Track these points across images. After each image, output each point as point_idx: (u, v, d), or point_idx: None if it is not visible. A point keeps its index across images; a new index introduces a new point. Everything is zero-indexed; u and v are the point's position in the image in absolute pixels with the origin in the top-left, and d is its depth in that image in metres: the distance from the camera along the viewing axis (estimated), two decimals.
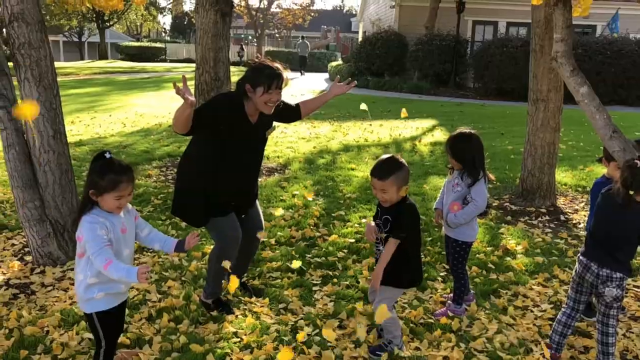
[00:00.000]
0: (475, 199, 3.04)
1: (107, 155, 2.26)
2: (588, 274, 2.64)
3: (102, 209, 2.27)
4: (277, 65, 2.94)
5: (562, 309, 2.82)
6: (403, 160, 2.71)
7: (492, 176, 3.23)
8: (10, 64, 3.59)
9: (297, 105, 3.32)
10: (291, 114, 3.28)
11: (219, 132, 2.89)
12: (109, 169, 2.24)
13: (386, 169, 2.65)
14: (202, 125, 2.82)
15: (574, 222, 5.01)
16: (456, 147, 3.12)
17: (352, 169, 6.74)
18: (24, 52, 3.56)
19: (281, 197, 5.46)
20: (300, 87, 19.08)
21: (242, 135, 2.93)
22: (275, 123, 3.19)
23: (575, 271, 2.74)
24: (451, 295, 3.38)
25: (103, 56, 39.09)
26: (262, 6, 35.72)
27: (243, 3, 33.47)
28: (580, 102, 2.82)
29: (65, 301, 3.28)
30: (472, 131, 3.17)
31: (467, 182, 3.08)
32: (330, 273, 3.76)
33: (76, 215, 2.30)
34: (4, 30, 3.73)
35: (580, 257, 2.69)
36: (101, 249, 2.16)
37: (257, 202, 3.34)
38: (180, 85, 2.53)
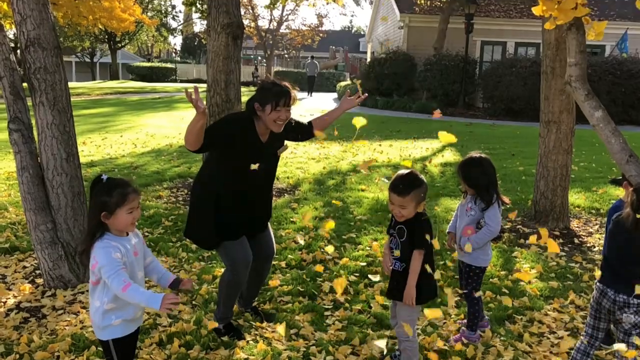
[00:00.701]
0: (488, 223, 3.01)
1: (104, 177, 2.26)
2: (605, 300, 2.59)
3: (112, 234, 2.25)
4: (285, 83, 2.97)
5: (581, 338, 2.76)
6: (422, 176, 2.70)
7: (506, 199, 3.20)
8: (25, 84, 3.63)
9: (310, 123, 3.33)
10: (304, 132, 3.28)
11: (230, 151, 2.90)
12: (114, 185, 2.25)
13: (406, 184, 2.64)
14: (212, 143, 2.83)
15: (589, 245, 4.94)
16: (467, 172, 3.10)
17: (362, 190, 6.72)
18: (39, 77, 3.60)
19: (291, 219, 5.44)
20: (309, 107, 19.17)
21: (253, 154, 2.92)
22: (287, 142, 3.20)
23: (593, 298, 2.68)
24: (465, 321, 3.32)
25: (114, 76, 39.66)
26: (271, 27, 36.17)
27: (253, 24, 33.92)
28: (596, 127, 2.80)
29: (75, 325, 3.26)
30: (483, 155, 3.16)
31: (481, 206, 3.06)
32: (342, 298, 3.72)
33: (85, 244, 2.25)
34: (19, 51, 3.78)
35: (597, 284, 2.65)
36: (118, 272, 2.14)
37: (270, 225, 3.33)
38: (191, 91, 2.53)
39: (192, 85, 3.20)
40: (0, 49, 3.69)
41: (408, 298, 2.63)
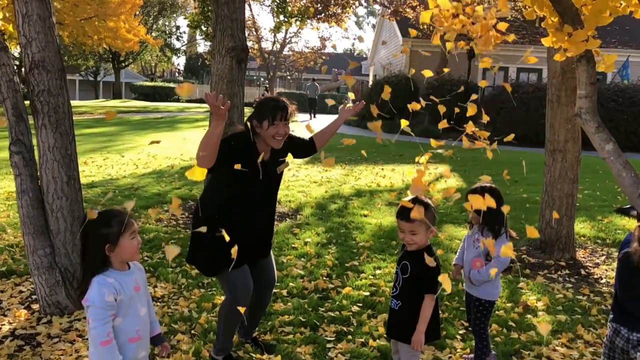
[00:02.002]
0: (498, 255, 2.94)
1: (95, 212, 2.16)
2: (618, 338, 2.51)
3: (114, 268, 2.17)
4: (282, 98, 2.94)
5: None
6: (429, 200, 2.64)
7: (513, 233, 3.14)
8: (27, 102, 3.60)
9: (311, 139, 3.30)
10: (305, 148, 3.26)
11: (232, 171, 2.84)
12: (109, 216, 2.17)
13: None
14: (224, 158, 2.75)
15: (596, 276, 4.85)
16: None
17: (365, 216, 6.65)
18: (42, 99, 3.57)
19: (293, 245, 5.36)
20: (314, 127, 19.21)
21: (255, 172, 2.86)
22: (288, 159, 3.14)
23: (607, 337, 2.60)
24: (471, 355, 3.23)
25: (117, 95, 39.91)
26: (274, 49, 36.49)
27: (256, 46, 34.22)
28: (607, 160, 2.75)
29: (71, 355, 3.16)
30: (493, 185, 3.10)
31: (488, 237, 2.99)
32: (345, 329, 3.63)
33: (85, 285, 2.13)
34: (23, 70, 3.75)
35: (610, 322, 2.57)
36: (105, 322, 2.06)
37: (272, 252, 3.26)
38: (213, 93, 2.48)
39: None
40: (4, 70, 3.67)
41: (417, 344, 2.55)
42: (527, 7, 3.13)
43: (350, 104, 3.31)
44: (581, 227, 6.36)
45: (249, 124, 2.90)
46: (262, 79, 41.26)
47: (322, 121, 22.26)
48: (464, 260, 3.15)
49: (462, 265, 3.24)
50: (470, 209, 2.99)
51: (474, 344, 3.45)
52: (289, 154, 3.08)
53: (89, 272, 2.15)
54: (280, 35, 34.65)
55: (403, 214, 2.60)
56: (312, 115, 25.27)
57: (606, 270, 5.02)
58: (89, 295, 2.09)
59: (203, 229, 2.93)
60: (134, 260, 2.26)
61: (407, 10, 19.46)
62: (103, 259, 2.14)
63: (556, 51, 3.13)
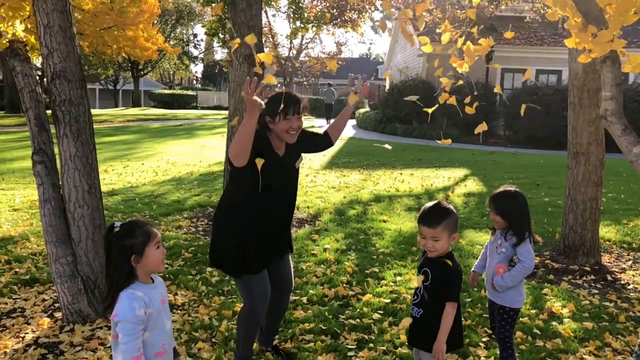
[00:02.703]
0: (522, 260, 2.87)
1: (117, 224, 2.16)
2: None
3: (140, 281, 2.15)
4: (294, 92, 2.93)
5: None
6: (451, 206, 2.60)
7: (538, 238, 3.07)
8: (49, 111, 3.64)
9: (325, 132, 3.28)
10: (320, 141, 3.25)
11: (251, 167, 2.84)
12: (133, 227, 2.16)
13: (436, 215, 2.53)
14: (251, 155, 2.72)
15: (623, 282, 4.73)
16: (501, 205, 2.97)
17: (384, 221, 6.59)
18: (64, 109, 3.61)
19: (312, 252, 5.34)
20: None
21: (273, 168, 2.84)
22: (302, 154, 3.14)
23: (639, 345, 2.52)
24: None
25: (136, 103, 40.46)
26: (291, 55, 36.63)
27: (273, 53, 34.42)
28: (634, 162, 2.68)
29: None
30: (517, 189, 3.05)
31: (512, 241, 2.93)
32: (366, 337, 3.58)
33: (111, 299, 2.10)
34: (45, 80, 3.81)
35: None
36: (136, 337, 2.04)
37: (290, 256, 3.24)
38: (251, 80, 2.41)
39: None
40: (26, 81, 3.73)
41: (438, 353, 2.50)
42: (548, 8, 3.08)
43: (357, 85, 3.30)
44: (606, 231, 6.22)
45: (261, 121, 2.90)
46: (279, 85, 41.41)
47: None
48: (487, 267, 3.08)
49: (480, 273, 3.18)
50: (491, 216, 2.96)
51: (498, 352, 3.39)
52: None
53: (115, 285, 2.11)
54: (296, 42, 34.76)
55: (426, 219, 2.56)
56: (328, 121, 25.07)
57: (633, 275, 4.89)
58: (119, 310, 2.06)
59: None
60: (160, 271, 2.25)
61: (424, 14, 19.35)
62: (129, 271, 2.12)
63: (579, 52, 3.07)
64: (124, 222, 2.19)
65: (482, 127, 3.27)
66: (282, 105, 2.80)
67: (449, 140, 3.41)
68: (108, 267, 2.16)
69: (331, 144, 3.28)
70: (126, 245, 2.11)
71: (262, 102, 2.49)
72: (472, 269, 3.26)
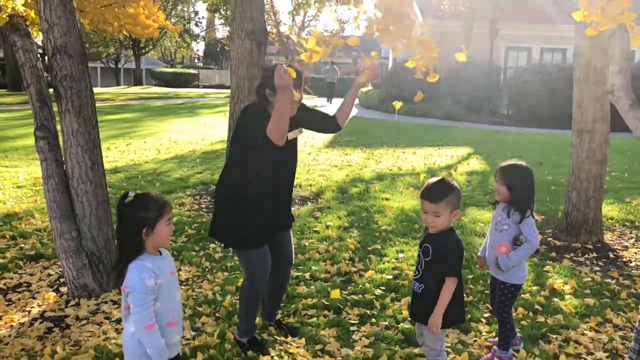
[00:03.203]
0: (529, 239, 2.87)
1: (131, 194, 2.15)
2: None
3: (148, 252, 2.16)
4: (294, 64, 2.89)
5: None
6: (455, 183, 2.59)
7: (537, 216, 3.07)
8: (51, 90, 3.63)
9: (334, 116, 3.21)
10: (330, 125, 3.19)
11: (250, 141, 2.86)
12: (148, 199, 2.16)
13: (439, 191, 2.53)
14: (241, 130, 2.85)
15: (625, 259, 4.74)
16: (510, 176, 2.95)
17: (387, 199, 6.60)
18: (65, 84, 3.59)
19: (315, 229, 5.35)
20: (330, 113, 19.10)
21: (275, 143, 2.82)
22: (304, 129, 3.11)
23: (639, 321, 2.54)
24: (497, 339, 3.19)
25: (138, 82, 40.22)
26: (293, 33, 36.27)
27: (275, 30, 34.07)
28: None
29: (99, 336, 3.21)
30: (527, 165, 3.03)
31: (515, 218, 2.92)
32: (368, 312, 3.61)
33: (121, 267, 2.12)
34: (46, 58, 3.78)
35: None
36: (147, 307, 2.06)
37: (291, 231, 3.24)
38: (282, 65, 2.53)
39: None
40: (27, 56, 3.70)
41: (433, 326, 2.51)
42: None
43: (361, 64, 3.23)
44: (609, 209, 6.21)
45: (260, 92, 2.88)
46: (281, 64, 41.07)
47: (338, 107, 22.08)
48: (489, 244, 3.08)
49: (483, 256, 3.17)
50: (496, 184, 2.94)
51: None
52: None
53: (125, 255, 2.12)
54: (298, 19, 34.41)
55: (428, 194, 2.55)
56: (329, 100, 24.29)
57: (635, 253, 4.91)
58: (129, 282, 2.08)
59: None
60: (166, 247, 2.26)
61: None
62: (139, 242, 2.12)
63: (587, 26, 3.02)
64: (138, 193, 2.17)
65: (419, 96, 3.19)
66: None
67: (421, 95, 3.30)
68: (119, 237, 2.16)
69: (339, 129, 3.22)
70: (139, 217, 2.11)
71: (290, 81, 2.56)
72: (479, 254, 3.26)
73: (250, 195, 2.92)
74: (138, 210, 2.12)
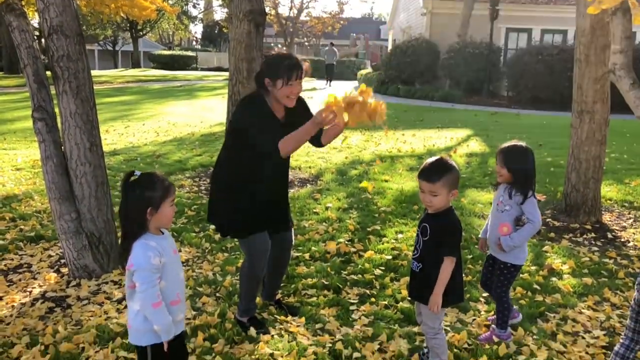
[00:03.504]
0: (532, 219, 2.88)
1: (137, 173, 2.17)
2: None
3: (150, 232, 2.16)
4: (295, 55, 2.87)
5: (620, 340, 2.62)
6: (453, 162, 2.58)
7: (541, 196, 3.08)
8: (48, 73, 3.60)
9: (322, 132, 3.05)
10: (316, 138, 3.02)
11: (250, 139, 2.84)
12: (154, 179, 2.17)
13: (436, 170, 2.52)
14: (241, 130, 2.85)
15: (623, 240, 4.76)
16: (511, 157, 2.95)
17: (386, 181, 6.60)
18: (62, 65, 3.56)
19: (314, 210, 5.36)
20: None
21: (273, 133, 2.80)
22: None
23: (634, 299, 2.55)
24: (494, 317, 3.22)
25: (136, 64, 39.90)
26: (291, 15, 35.94)
27: (273, 12, 33.73)
28: None
29: (100, 316, 3.24)
30: (528, 146, 3.03)
31: (517, 199, 2.92)
32: (368, 292, 3.64)
33: (126, 245, 2.13)
34: (42, 40, 3.75)
35: (638, 285, 2.51)
36: (153, 284, 2.08)
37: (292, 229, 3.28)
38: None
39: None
40: (23, 36, 3.66)
41: (433, 305, 2.53)
42: None
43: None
44: (608, 190, 6.22)
45: (260, 81, 2.85)
46: (279, 46, 40.77)
47: (337, 90, 21.95)
48: (490, 225, 3.08)
49: (484, 237, 3.18)
50: (496, 166, 2.93)
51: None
52: None
53: (129, 234, 2.14)
54: (297, 0, 34.06)
55: (425, 173, 2.55)
56: (329, 82, 24.03)
57: (634, 233, 4.93)
58: (134, 260, 2.09)
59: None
60: (168, 228, 2.27)
61: None
62: (143, 222, 2.12)
63: (588, 5, 2.99)
64: (144, 173, 2.18)
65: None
66: (286, 72, 2.77)
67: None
68: (123, 215, 2.17)
69: (320, 146, 3.09)
70: (145, 197, 2.12)
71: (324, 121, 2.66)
72: (479, 235, 3.27)
73: (246, 186, 2.92)
74: (144, 190, 2.12)
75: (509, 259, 2.98)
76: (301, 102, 3.01)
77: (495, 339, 3.06)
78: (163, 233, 2.24)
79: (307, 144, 2.97)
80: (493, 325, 3.15)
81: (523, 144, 3.01)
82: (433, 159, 2.61)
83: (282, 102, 2.86)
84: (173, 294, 2.20)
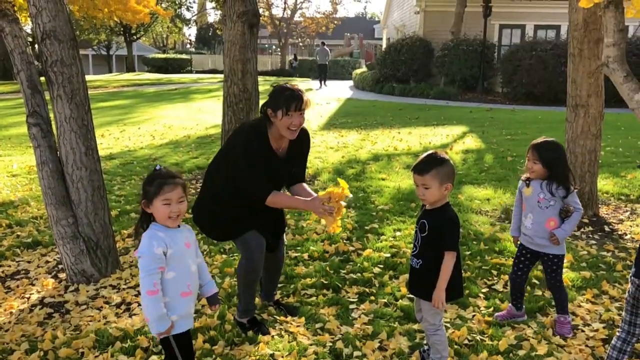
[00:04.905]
0: (578, 208, 3.00)
1: (158, 167, 2.33)
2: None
3: (161, 223, 2.25)
4: (297, 87, 2.89)
5: (617, 333, 2.62)
6: (446, 156, 2.58)
7: (577, 186, 3.18)
8: (42, 78, 3.59)
9: (296, 186, 3.09)
10: (290, 181, 3.10)
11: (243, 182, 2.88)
12: (156, 176, 2.26)
13: (427, 163, 2.54)
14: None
15: (620, 233, 4.78)
16: (545, 153, 2.98)
17: (383, 179, 6.60)
18: (56, 70, 3.55)
19: None
20: (324, 95, 19.02)
21: (269, 169, 2.86)
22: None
23: (629, 292, 2.55)
24: (503, 313, 3.28)
25: (130, 68, 39.85)
26: (285, 15, 35.95)
27: (267, 13, 33.74)
28: (635, 110, 2.66)
29: (99, 321, 3.23)
30: (556, 140, 3.07)
31: (561, 193, 2.98)
32: (367, 290, 3.64)
33: (135, 234, 2.32)
34: (36, 46, 3.74)
35: (632, 278, 2.51)
36: (153, 273, 2.16)
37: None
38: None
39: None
40: (16, 42, 3.65)
41: (437, 302, 2.54)
42: None
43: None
44: (604, 183, 6.24)
45: (263, 111, 2.89)
46: (273, 47, 40.76)
47: (333, 90, 21.91)
48: (532, 222, 3.10)
49: (519, 235, 3.23)
50: (529, 164, 3.00)
51: (497, 302, 3.46)
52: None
53: (139, 222, 2.30)
54: (290, 1, 34.06)
55: (416, 166, 2.57)
56: (323, 83, 23.50)
57: (631, 226, 4.94)
58: (140, 247, 2.20)
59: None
60: (167, 225, 2.27)
61: None
62: (143, 211, 2.27)
63: None
64: (160, 168, 2.32)
65: None
66: (284, 103, 2.79)
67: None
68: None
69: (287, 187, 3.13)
70: (145, 190, 2.26)
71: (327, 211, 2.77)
72: (511, 234, 3.34)
73: (235, 221, 2.99)
74: (146, 183, 2.26)
75: (557, 251, 3.08)
76: (304, 135, 3.03)
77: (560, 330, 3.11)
78: (179, 226, 2.30)
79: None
80: (556, 315, 3.18)
81: (553, 139, 3.05)
82: (426, 153, 2.62)
83: (283, 134, 2.87)
84: (184, 285, 2.27)
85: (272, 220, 3.14)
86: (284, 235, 3.34)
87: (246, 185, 2.86)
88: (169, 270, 2.21)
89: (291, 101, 2.79)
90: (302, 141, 3.03)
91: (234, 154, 2.89)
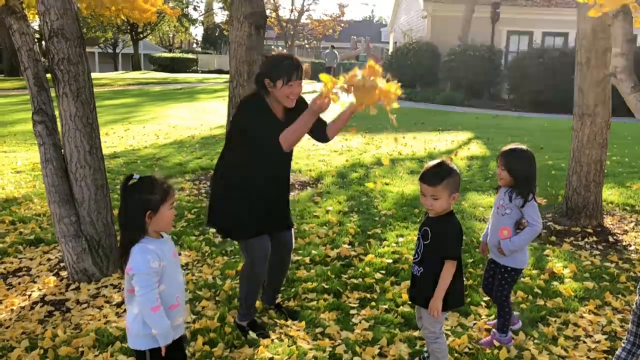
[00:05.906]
0: (532, 223, 2.87)
1: (136, 176, 2.16)
2: None
3: (150, 235, 2.15)
4: (294, 56, 2.87)
5: (622, 344, 2.60)
6: (454, 166, 2.57)
7: (541, 200, 3.07)
8: (49, 75, 3.60)
9: (327, 126, 3.06)
10: (320, 132, 3.04)
11: (252, 140, 2.85)
12: (154, 182, 2.16)
13: (437, 174, 2.51)
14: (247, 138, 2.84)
15: (624, 243, 4.75)
16: (512, 161, 2.94)
17: (387, 184, 6.59)
18: (62, 68, 3.56)
19: (314, 213, 5.35)
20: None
21: (274, 133, 2.78)
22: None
23: (636, 303, 2.53)
24: (494, 322, 3.21)
25: (136, 67, 39.95)
26: (292, 17, 35.98)
27: (274, 15, 33.77)
28: None
29: (99, 320, 3.23)
30: (528, 149, 3.02)
31: (518, 202, 2.92)
32: (368, 295, 3.62)
33: (125, 249, 2.12)
34: (43, 43, 3.75)
35: None
36: (152, 288, 2.07)
37: (292, 230, 3.25)
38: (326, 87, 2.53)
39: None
40: (24, 39, 3.66)
41: (434, 310, 2.51)
42: None
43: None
44: (609, 193, 6.21)
45: (260, 82, 2.85)
46: (280, 49, 40.80)
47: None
48: (490, 228, 3.07)
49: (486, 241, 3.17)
50: (498, 168, 2.92)
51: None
52: None
53: (128, 238, 2.13)
54: (297, 3, 34.06)
55: (427, 177, 2.54)
56: None
57: (635, 237, 4.91)
58: (133, 264, 2.08)
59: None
60: (167, 231, 2.25)
61: None
62: (142, 225, 2.11)
63: (589, 9, 2.98)
64: (143, 176, 2.17)
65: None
66: (286, 72, 2.76)
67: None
68: (122, 219, 2.16)
69: (327, 141, 3.09)
70: (144, 200, 2.10)
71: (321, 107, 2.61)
72: (481, 239, 3.26)
73: (247, 187, 2.92)
74: (143, 193, 2.11)
75: (509, 263, 2.97)
76: (302, 102, 3.00)
77: (496, 344, 3.04)
78: (162, 236, 2.22)
79: (313, 143, 2.96)
80: (494, 330, 3.13)
81: (524, 146, 3.01)
82: (434, 162, 2.59)
83: (283, 103, 2.86)
84: (172, 297, 2.19)
85: (279, 211, 3.11)
86: (294, 239, 3.29)
87: (261, 146, 2.80)
88: (160, 284, 2.12)
89: (292, 70, 2.76)
90: (299, 103, 2.95)
91: (243, 122, 2.85)
